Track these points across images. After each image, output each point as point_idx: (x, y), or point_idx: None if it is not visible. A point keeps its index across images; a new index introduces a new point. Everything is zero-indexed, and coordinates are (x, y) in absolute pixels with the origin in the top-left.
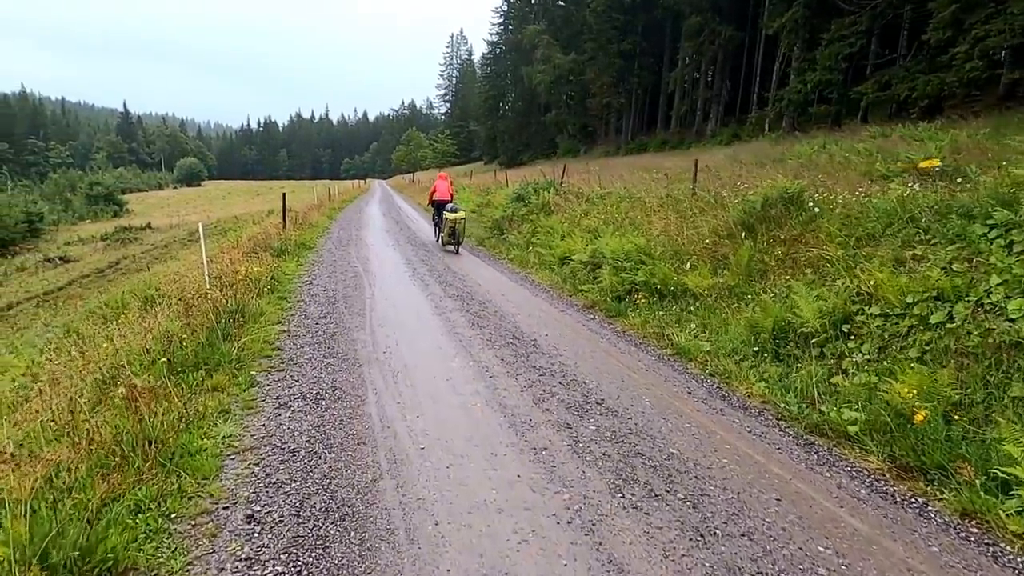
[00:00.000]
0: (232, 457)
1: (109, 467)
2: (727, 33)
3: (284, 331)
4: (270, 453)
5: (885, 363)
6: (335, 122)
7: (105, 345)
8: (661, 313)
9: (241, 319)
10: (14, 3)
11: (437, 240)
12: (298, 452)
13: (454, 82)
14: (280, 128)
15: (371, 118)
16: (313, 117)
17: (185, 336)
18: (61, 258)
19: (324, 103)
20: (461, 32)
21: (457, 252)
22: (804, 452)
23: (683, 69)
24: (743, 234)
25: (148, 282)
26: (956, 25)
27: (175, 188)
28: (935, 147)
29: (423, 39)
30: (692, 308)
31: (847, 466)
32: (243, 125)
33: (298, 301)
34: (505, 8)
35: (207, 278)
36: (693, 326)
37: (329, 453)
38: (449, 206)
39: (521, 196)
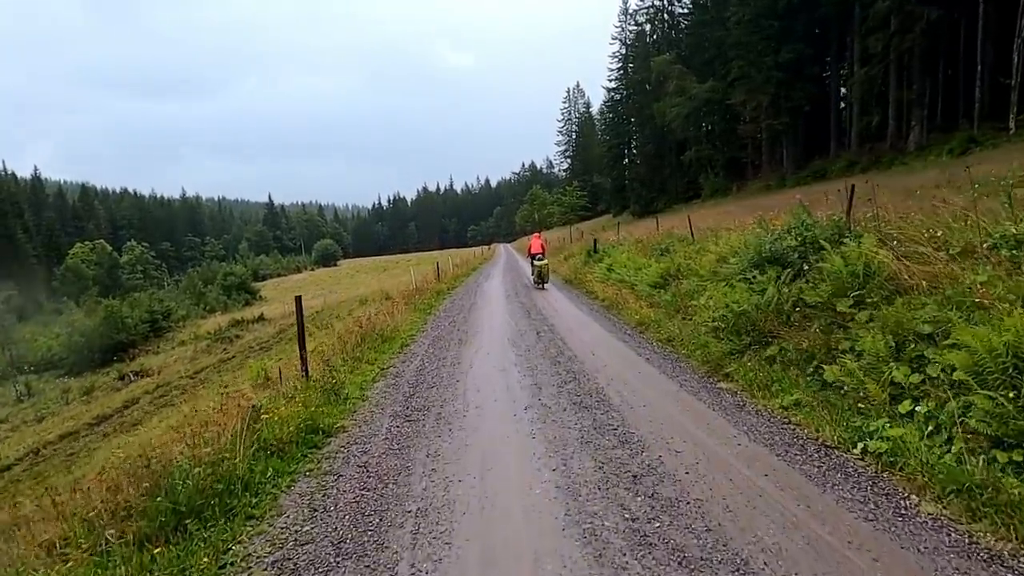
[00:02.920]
0: None
1: None
2: (930, 16)
3: None
4: None
5: None
6: (459, 191)
7: None
8: None
9: None
10: (191, 119)
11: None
12: None
13: (573, 136)
14: (408, 203)
15: (493, 184)
16: (438, 189)
17: None
18: (136, 373)
19: (448, 174)
20: (577, 85)
21: (544, 288)
22: None
23: (868, 72)
24: None
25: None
26: None
27: (311, 270)
28: None
29: (539, 99)
30: None
31: None
32: (374, 204)
33: None
34: (623, 52)
35: None
36: None
37: None
38: (538, 256)
39: (778, 259)
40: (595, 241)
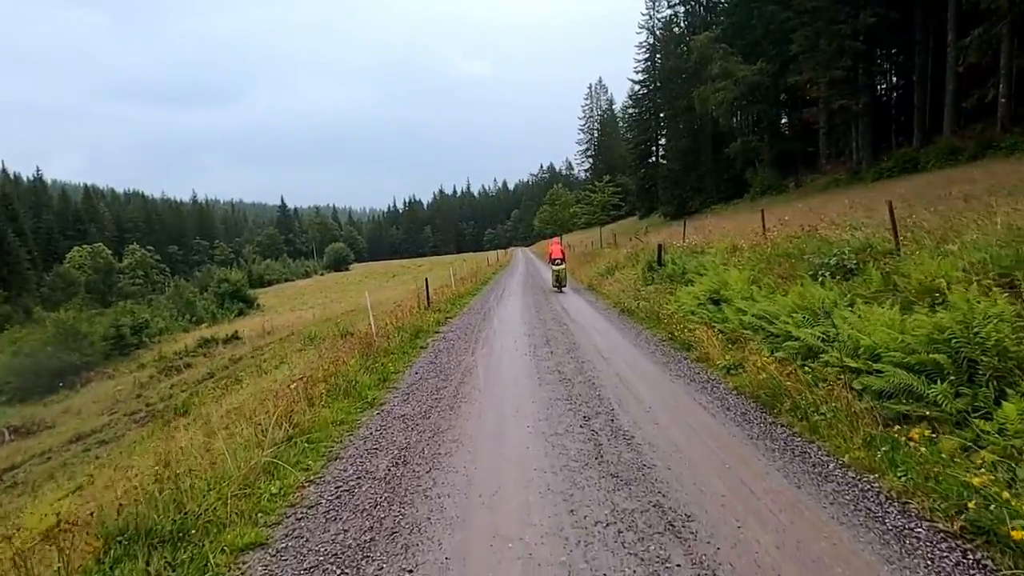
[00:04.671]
0: None
1: None
2: None
3: None
4: None
5: None
6: (476, 194)
7: None
8: None
9: None
10: (210, 127)
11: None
12: None
13: (595, 135)
14: (424, 206)
15: (511, 186)
16: (455, 192)
17: None
18: (13, 430)
19: (465, 177)
20: (600, 81)
21: (563, 291)
22: None
23: (984, 34)
24: None
25: None
26: None
27: (321, 275)
28: None
29: (559, 100)
30: None
31: None
32: (389, 207)
33: None
34: (651, 41)
35: None
36: None
37: None
38: (557, 261)
39: None
40: (660, 248)
